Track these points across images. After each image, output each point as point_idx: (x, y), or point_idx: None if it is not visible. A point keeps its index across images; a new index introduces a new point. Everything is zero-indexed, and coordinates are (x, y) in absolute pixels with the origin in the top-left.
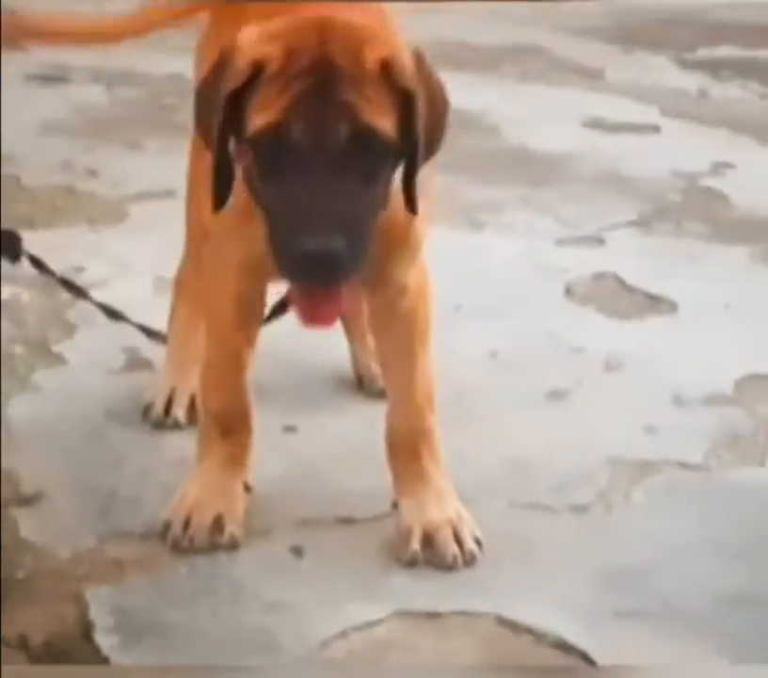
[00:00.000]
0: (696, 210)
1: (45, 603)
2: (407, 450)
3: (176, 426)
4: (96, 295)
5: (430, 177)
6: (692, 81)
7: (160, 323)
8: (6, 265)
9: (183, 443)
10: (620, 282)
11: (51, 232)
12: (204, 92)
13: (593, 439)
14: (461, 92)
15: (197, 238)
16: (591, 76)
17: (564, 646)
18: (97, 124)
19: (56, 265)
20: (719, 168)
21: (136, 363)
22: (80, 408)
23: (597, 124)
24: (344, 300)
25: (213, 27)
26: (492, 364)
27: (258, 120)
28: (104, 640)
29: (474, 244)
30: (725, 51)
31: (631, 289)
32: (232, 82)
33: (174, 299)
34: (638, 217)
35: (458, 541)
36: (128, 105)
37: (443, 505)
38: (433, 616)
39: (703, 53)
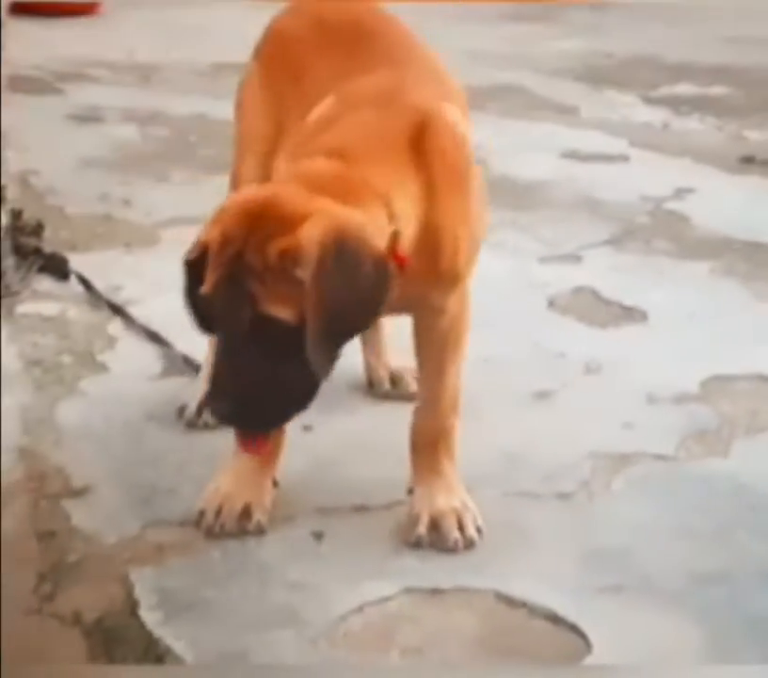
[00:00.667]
0: (663, 230)
1: (95, 583)
2: (427, 446)
3: (206, 426)
4: (133, 311)
5: (483, 213)
6: (656, 116)
7: (194, 340)
8: (55, 284)
9: (214, 442)
10: (596, 294)
11: (91, 255)
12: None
13: (576, 434)
14: None
15: None
16: (567, 112)
17: (554, 618)
18: (130, 159)
19: (97, 284)
20: (682, 192)
21: (170, 370)
22: (122, 411)
23: (572, 155)
24: (268, 440)
25: (259, 73)
26: (485, 368)
27: (203, 287)
28: (149, 616)
29: None
30: (684, 88)
31: (606, 301)
32: (190, 253)
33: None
34: (611, 236)
35: (461, 528)
36: (157, 142)
37: (451, 495)
38: (437, 592)
39: (665, 90)
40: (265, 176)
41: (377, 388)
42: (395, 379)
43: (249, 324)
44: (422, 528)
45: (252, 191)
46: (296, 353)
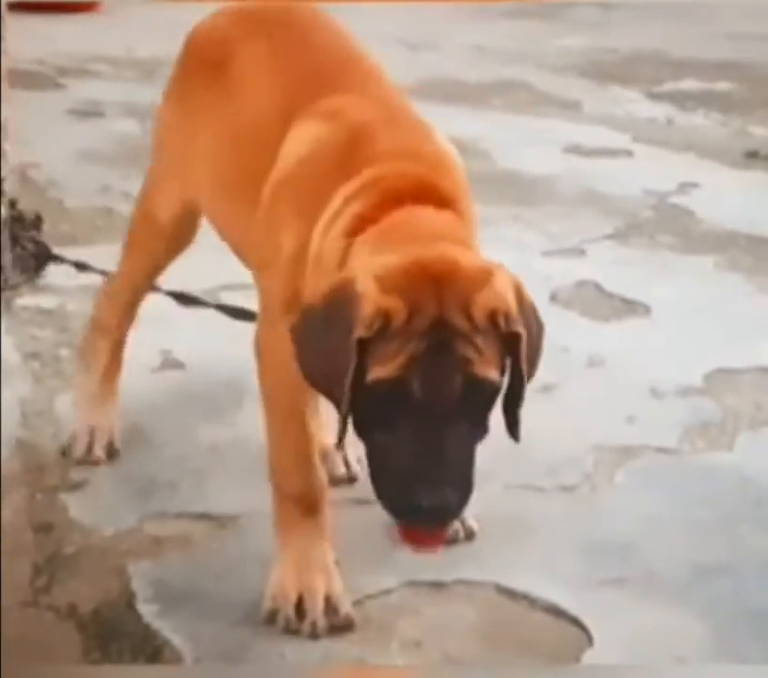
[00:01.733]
0: (667, 224)
1: (92, 576)
2: None
3: (96, 463)
4: None
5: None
6: (660, 111)
7: (188, 332)
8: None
9: (214, 433)
10: (600, 288)
11: (91, 248)
12: (316, 324)
13: (579, 427)
14: (456, 123)
15: (135, 275)
16: (570, 108)
17: (555, 611)
18: (131, 153)
19: (97, 277)
20: (686, 187)
21: (170, 363)
22: (121, 403)
23: (576, 150)
24: (447, 530)
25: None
26: None
27: (377, 372)
28: (145, 609)
29: None
30: (688, 84)
31: (609, 295)
32: (360, 330)
33: (91, 340)
34: (615, 231)
35: (461, 519)
36: None
37: None
38: (438, 585)
39: (669, 86)
40: (183, 210)
41: None
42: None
43: (462, 392)
44: None
45: (414, 251)
46: (486, 415)
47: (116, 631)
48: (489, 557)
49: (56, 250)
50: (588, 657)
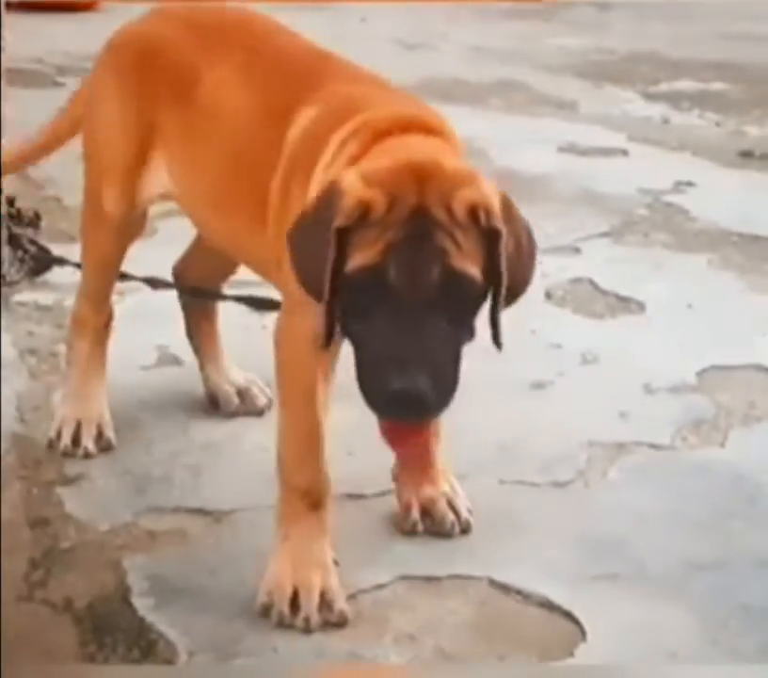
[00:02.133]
0: (661, 223)
1: (87, 570)
2: None
3: (86, 456)
4: (130, 299)
5: None
6: (655, 111)
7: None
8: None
9: (209, 429)
10: (594, 286)
11: None
12: (306, 225)
13: (573, 424)
14: (454, 122)
15: (100, 262)
16: (567, 108)
17: (549, 605)
18: None
19: None
20: (680, 186)
21: (166, 359)
22: (116, 399)
23: (572, 149)
24: (429, 430)
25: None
26: (482, 358)
27: (357, 259)
28: (140, 602)
29: None
30: (684, 84)
31: (604, 292)
32: (340, 220)
33: (71, 336)
34: (610, 229)
35: (454, 511)
36: None
37: (440, 479)
38: (432, 580)
39: (665, 86)
40: (133, 206)
41: (224, 406)
42: (243, 394)
43: (439, 283)
44: (415, 513)
45: (400, 156)
46: (470, 317)
47: (111, 625)
48: (483, 552)
49: (54, 247)
50: (581, 652)
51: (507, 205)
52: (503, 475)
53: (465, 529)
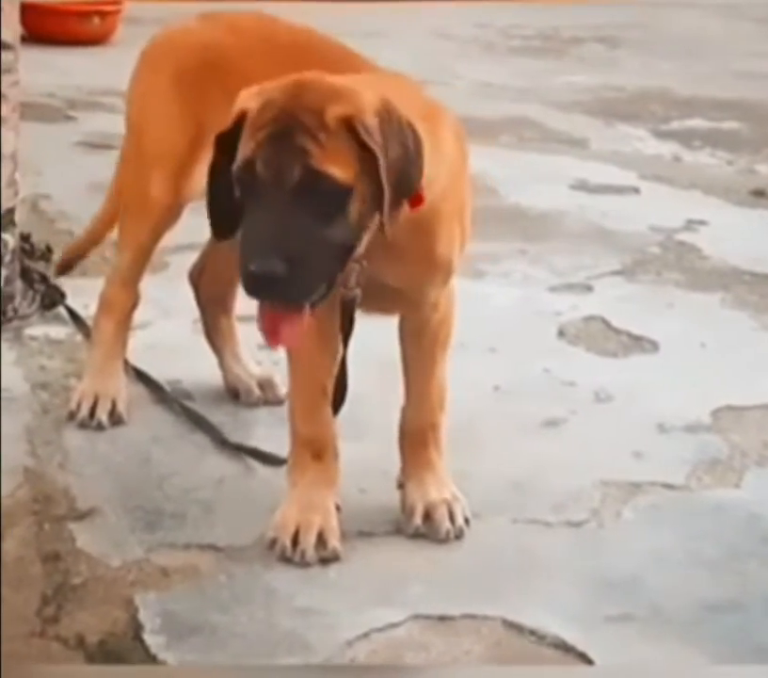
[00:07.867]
0: (673, 261)
1: (99, 606)
2: (417, 440)
3: (100, 427)
4: (141, 335)
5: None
6: (666, 149)
7: (198, 362)
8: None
9: (221, 465)
10: (607, 324)
11: (101, 279)
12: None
13: (586, 463)
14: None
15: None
16: (578, 145)
17: (563, 646)
18: None
19: None
20: (692, 224)
21: (178, 394)
22: (128, 434)
23: (583, 186)
24: (303, 324)
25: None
26: (495, 396)
27: (239, 157)
28: (152, 640)
29: (477, 291)
30: (695, 123)
31: (616, 330)
32: (224, 127)
33: (98, 315)
34: (622, 266)
35: (451, 519)
36: None
37: (442, 487)
38: (445, 619)
39: (676, 124)
40: (179, 197)
41: (244, 398)
42: (264, 385)
43: (299, 179)
44: (417, 519)
45: (291, 76)
46: (337, 216)
47: (123, 662)
48: (497, 592)
49: (65, 280)
50: None
51: (387, 116)
52: (516, 514)
53: (458, 537)
